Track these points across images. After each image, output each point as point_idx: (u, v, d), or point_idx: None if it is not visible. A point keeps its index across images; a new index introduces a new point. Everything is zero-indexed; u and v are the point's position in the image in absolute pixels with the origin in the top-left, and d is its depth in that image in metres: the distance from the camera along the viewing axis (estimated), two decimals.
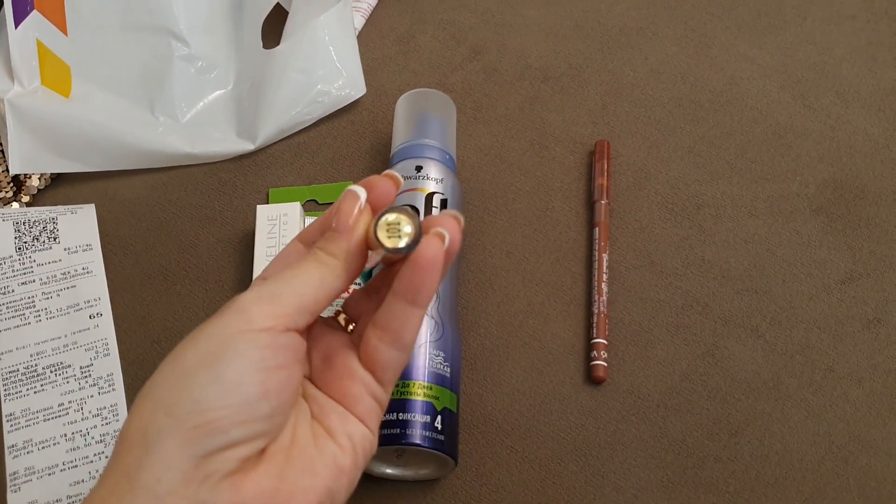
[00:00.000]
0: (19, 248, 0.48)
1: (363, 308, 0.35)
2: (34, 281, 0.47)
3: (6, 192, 0.51)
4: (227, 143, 0.53)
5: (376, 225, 0.31)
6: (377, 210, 0.33)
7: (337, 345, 0.33)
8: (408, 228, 0.31)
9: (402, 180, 0.34)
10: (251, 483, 0.27)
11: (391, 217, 0.31)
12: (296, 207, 0.48)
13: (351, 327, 0.34)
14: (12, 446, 0.43)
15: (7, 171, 0.52)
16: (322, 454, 0.30)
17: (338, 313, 0.35)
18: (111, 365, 0.46)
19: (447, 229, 0.31)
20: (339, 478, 0.30)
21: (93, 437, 0.43)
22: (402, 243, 0.30)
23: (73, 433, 0.43)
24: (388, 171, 0.33)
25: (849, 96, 0.55)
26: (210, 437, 0.26)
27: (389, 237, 0.30)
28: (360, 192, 0.32)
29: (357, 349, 0.33)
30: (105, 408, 0.44)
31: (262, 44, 0.54)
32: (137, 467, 0.26)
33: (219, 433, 0.26)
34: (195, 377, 0.27)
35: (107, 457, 0.43)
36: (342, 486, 0.30)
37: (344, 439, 0.30)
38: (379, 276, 0.36)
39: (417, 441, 0.39)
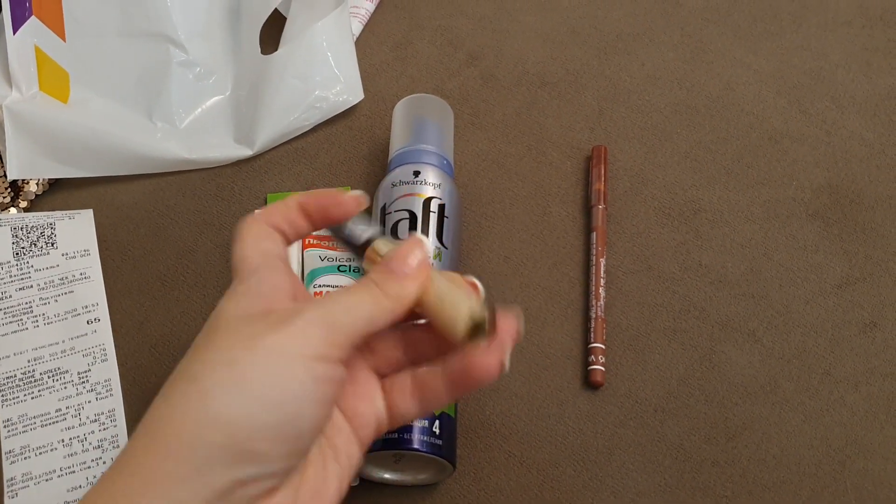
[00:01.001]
0: (17, 254, 0.48)
1: (385, 332, 0.34)
2: (32, 286, 0.47)
3: (4, 197, 0.51)
4: (225, 148, 0.54)
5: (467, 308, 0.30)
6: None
7: (359, 360, 0.32)
8: (482, 324, 0.30)
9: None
10: None
11: (478, 311, 0.30)
12: None
13: None
14: (9, 452, 0.43)
15: (5, 176, 0.52)
16: (328, 477, 0.30)
17: None
18: (109, 370, 0.46)
19: (510, 337, 0.31)
20: (337, 498, 0.30)
21: (90, 443, 0.43)
22: (478, 341, 0.30)
23: (70, 439, 0.43)
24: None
25: (844, 101, 0.55)
26: (257, 464, 0.26)
27: (471, 331, 0.30)
28: (426, 242, 0.31)
29: (377, 372, 0.33)
30: (103, 413, 0.44)
31: (260, 49, 0.54)
32: (181, 480, 0.25)
33: (265, 463, 0.26)
34: (259, 402, 0.26)
35: (104, 462, 0.43)
36: None
37: (344, 459, 0.31)
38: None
39: (416, 446, 0.39)
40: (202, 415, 0.25)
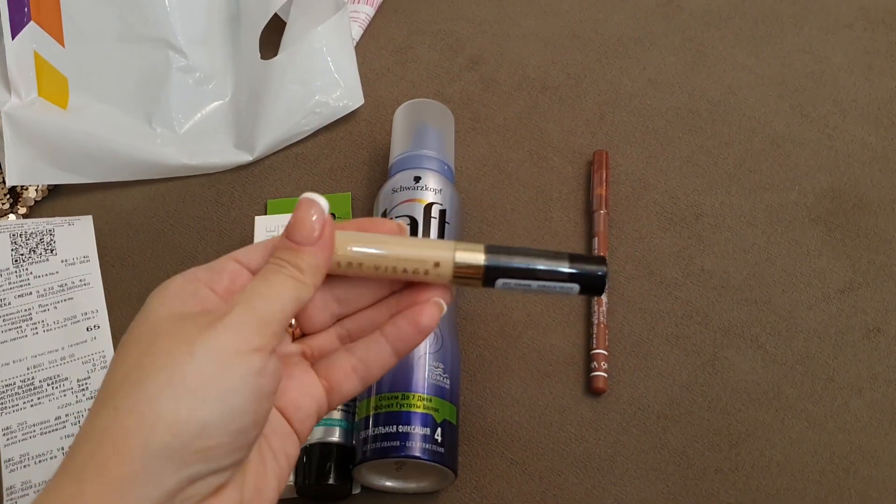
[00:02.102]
0: (16, 261, 0.48)
1: (318, 316, 0.34)
2: (31, 293, 0.47)
3: (3, 203, 0.51)
4: (225, 154, 0.53)
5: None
6: None
7: (292, 353, 0.33)
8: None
9: (407, 229, 0.33)
10: None
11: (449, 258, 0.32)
12: None
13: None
14: (9, 460, 0.43)
15: (4, 182, 0.52)
16: (267, 475, 0.30)
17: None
18: None
19: (442, 298, 0.32)
20: (276, 495, 0.30)
21: None
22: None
23: (70, 447, 0.43)
24: (398, 222, 0.33)
25: (846, 105, 0.55)
26: (206, 462, 0.26)
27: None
28: (319, 199, 0.31)
29: (311, 359, 0.33)
30: None
31: (259, 55, 0.54)
32: (132, 481, 0.25)
33: (214, 459, 0.27)
34: (202, 399, 0.26)
35: None
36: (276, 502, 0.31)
37: (283, 459, 0.31)
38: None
39: (417, 454, 0.39)
40: (150, 418, 0.26)
